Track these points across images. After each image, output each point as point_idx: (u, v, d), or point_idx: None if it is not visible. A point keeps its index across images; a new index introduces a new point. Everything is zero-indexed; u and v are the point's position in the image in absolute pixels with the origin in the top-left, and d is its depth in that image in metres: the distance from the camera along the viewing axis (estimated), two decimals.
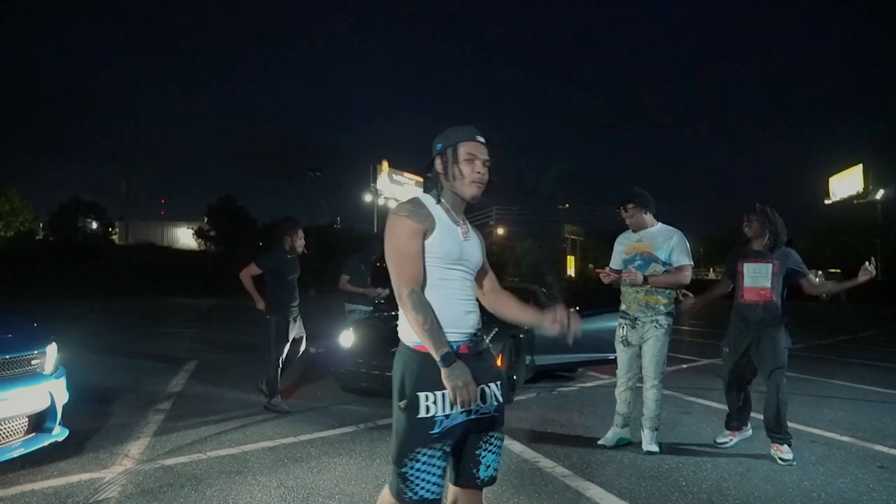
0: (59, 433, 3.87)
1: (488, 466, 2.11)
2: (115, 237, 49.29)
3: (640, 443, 4.47)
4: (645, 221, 4.62)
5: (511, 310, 2.32)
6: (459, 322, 2.06)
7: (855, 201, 55.43)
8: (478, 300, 2.24)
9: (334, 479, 3.74)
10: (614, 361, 4.77)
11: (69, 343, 7.43)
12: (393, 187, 59.65)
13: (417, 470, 1.97)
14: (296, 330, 5.80)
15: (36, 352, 3.84)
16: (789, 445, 4.34)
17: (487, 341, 2.18)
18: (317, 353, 8.10)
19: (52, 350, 3.98)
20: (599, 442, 4.59)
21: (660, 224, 4.67)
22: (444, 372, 1.88)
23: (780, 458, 4.27)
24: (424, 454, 1.96)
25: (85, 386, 6.20)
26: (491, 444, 2.12)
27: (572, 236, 59.80)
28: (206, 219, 46.54)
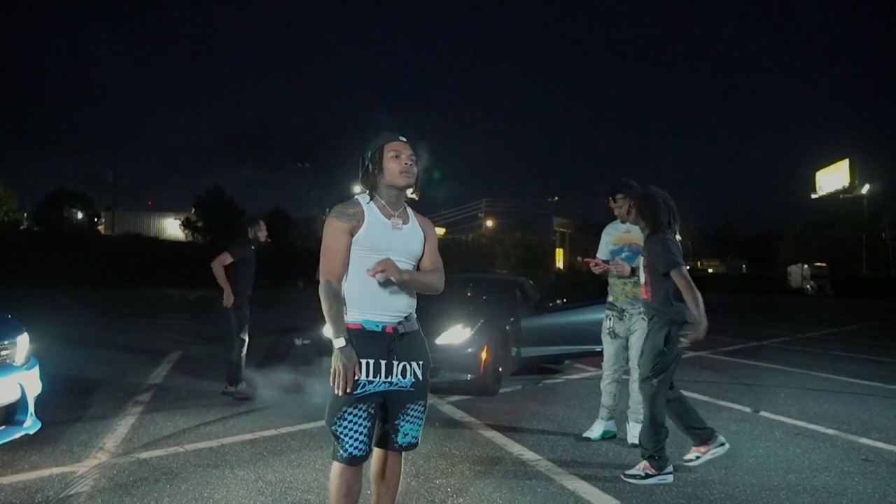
0: (30, 426, 3.77)
1: (406, 434, 2.46)
2: (101, 227, 48.75)
3: (626, 436, 4.42)
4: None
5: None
6: (386, 305, 2.38)
7: (841, 196, 55.80)
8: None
9: (314, 472, 3.66)
10: (601, 354, 4.71)
11: (50, 334, 7.32)
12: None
13: (345, 428, 2.33)
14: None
15: (6, 342, 3.73)
16: (652, 465, 3.67)
17: (417, 324, 2.48)
18: (302, 345, 8.00)
19: (22, 340, 3.87)
20: (584, 434, 4.55)
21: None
22: (334, 352, 2.28)
23: (624, 474, 3.73)
24: (350, 413, 2.33)
25: (64, 377, 6.10)
26: (409, 414, 2.45)
27: (561, 229, 59.78)
28: (193, 210, 46.12)
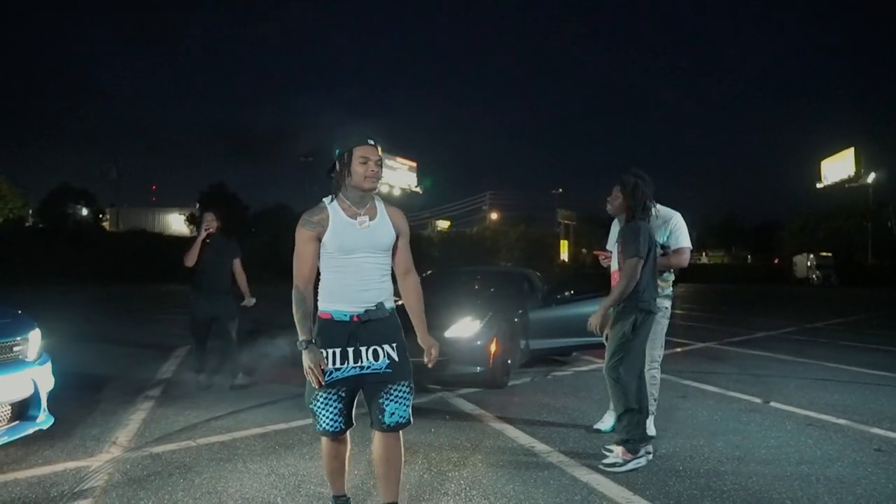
0: (43, 421, 3.78)
1: (392, 413, 2.59)
2: (106, 224, 48.90)
3: None
4: None
5: (409, 305, 2.78)
6: (353, 299, 2.55)
7: (846, 185, 55.58)
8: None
9: None
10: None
11: (58, 330, 7.33)
12: (385, 172, 58.79)
13: (319, 408, 2.58)
14: None
15: (18, 338, 3.74)
16: (628, 449, 3.68)
17: (389, 309, 2.63)
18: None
19: (35, 336, 3.88)
20: (595, 426, 4.54)
21: (658, 206, 4.58)
22: (302, 354, 2.49)
23: (602, 464, 3.71)
24: (322, 396, 2.56)
25: (73, 373, 6.12)
26: (392, 394, 2.59)
27: (566, 221, 59.75)
28: (197, 205, 46.22)
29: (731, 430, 4.59)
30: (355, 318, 2.54)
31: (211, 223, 6.05)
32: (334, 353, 2.53)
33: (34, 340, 3.87)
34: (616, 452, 3.73)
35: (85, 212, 46.24)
